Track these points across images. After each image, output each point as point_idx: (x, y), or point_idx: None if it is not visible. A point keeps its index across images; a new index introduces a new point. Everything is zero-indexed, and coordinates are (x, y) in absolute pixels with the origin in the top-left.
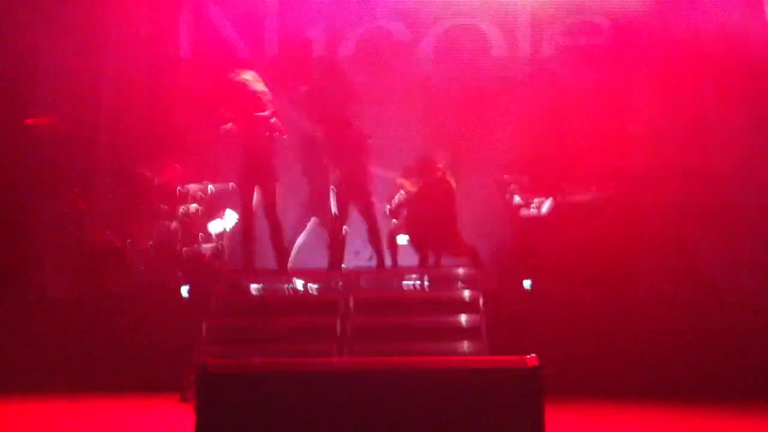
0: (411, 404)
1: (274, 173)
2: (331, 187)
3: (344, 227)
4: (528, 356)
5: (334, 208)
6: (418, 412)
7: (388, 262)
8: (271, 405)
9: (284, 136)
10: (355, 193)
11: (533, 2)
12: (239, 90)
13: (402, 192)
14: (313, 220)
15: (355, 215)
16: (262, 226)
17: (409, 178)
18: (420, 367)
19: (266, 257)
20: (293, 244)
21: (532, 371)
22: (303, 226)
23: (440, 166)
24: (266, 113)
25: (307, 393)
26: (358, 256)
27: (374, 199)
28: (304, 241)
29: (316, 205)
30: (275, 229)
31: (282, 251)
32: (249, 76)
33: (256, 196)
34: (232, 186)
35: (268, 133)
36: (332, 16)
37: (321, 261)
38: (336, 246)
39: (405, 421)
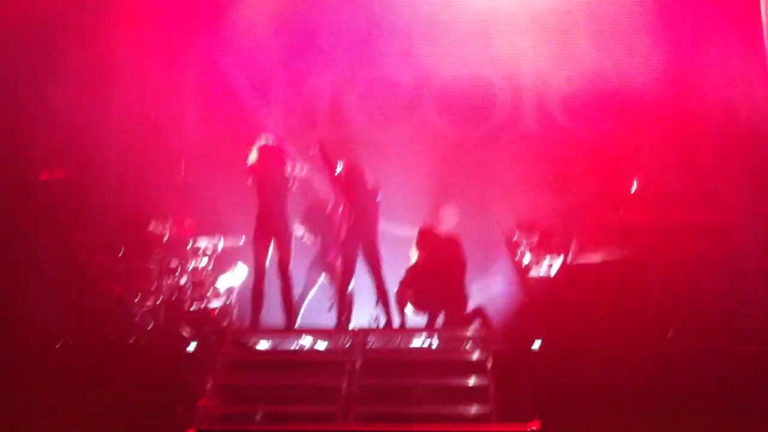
0: None
1: (289, 229)
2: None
3: (351, 286)
4: (531, 423)
5: (341, 266)
6: None
7: (396, 321)
8: None
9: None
10: (364, 249)
11: (539, 56)
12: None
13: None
14: (322, 276)
15: (363, 273)
16: (271, 282)
17: (417, 243)
18: None
19: (274, 314)
20: (302, 302)
21: None
22: (311, 284)
23: (448, 226)
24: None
25: None
26: (365, 314)
27: (382, 256)
28: (312, 298)
29: (323, 263)
30: (287, 285)
31: (291, 308)
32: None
33: (270, 252)
34: (243, 241)
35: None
36: (337, 65)
37: (329, 319)
38: (343, 305)
39: None
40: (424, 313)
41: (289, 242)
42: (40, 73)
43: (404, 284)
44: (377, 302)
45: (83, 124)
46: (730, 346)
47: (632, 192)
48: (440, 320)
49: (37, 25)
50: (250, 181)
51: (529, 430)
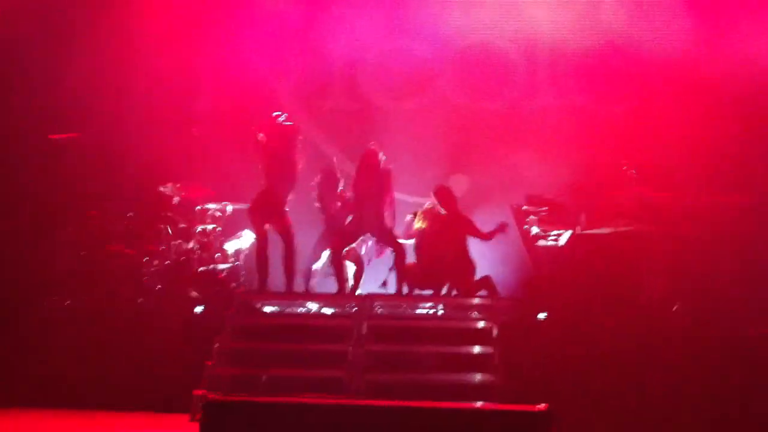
0: None
1: (284, 213)
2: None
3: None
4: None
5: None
6: None
7: (404, 289)
8: None
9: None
10: (375, 220)
11: (557, 29)
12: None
13: (416, 215)
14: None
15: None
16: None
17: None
18: (428, 413)
19: (283, 279)
20: (311, 269)
21: (541, 415)
22: (320, 252)
23: (457, 196)
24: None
25: (306, 428)
26: (374, 281)
27: (394, 225)
28: (322, 266)
29: (333, 232)
30: (290, 252)
31: (291, 274)
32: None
33: (267, 226)
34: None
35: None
36: (353, 35)
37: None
38: (342, 271)
39: None
40: (431, 280)
41: (283, 219)
42: (57, 36)
43: (414, 252)
44: (389, 269)
45: (97, 84)
46: (734, 326)
47: (643, 168)
48: (446, 289)
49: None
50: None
51: (537, 410)
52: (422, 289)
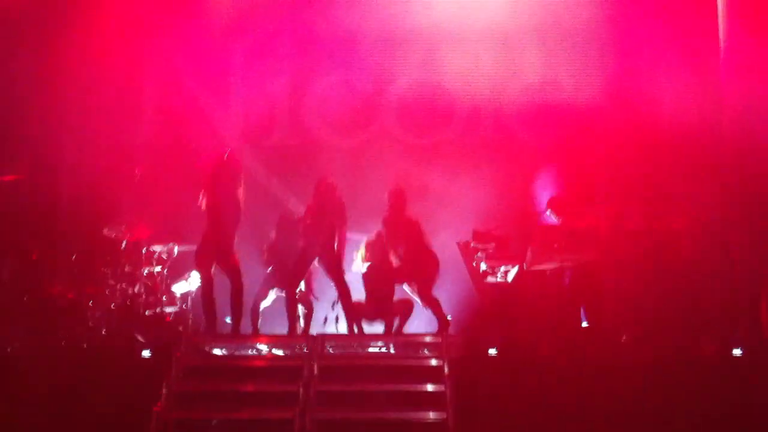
0: None
1: (232, 251)
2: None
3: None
4: None
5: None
6: None
7: (354, 327)
8: None
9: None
10: (324, 250)
11: (495, 66)
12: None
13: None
14: (276, 290)
15: (323, 282)
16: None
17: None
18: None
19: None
20: (259, 309)
21: None
22: (265, 293)
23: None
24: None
25: None
26: (323, 323)
27: (342, 259)
28: (269, 307)
29: (281, 272)
30: (237, 292)
31: (238, 315)
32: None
33: (213, 268)
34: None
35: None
36: (297, 71)
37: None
38: (295, 312)
39: None
40: (380, 320)
41: (231, 257)
42: None
43: (363, 285)
44: (334, 308)
45: (37, 126)
46: (688, 348)
47: (583, 199)
48: (396, 325)
49: None
50: (201, 198)
51: None
52: (373, 321)
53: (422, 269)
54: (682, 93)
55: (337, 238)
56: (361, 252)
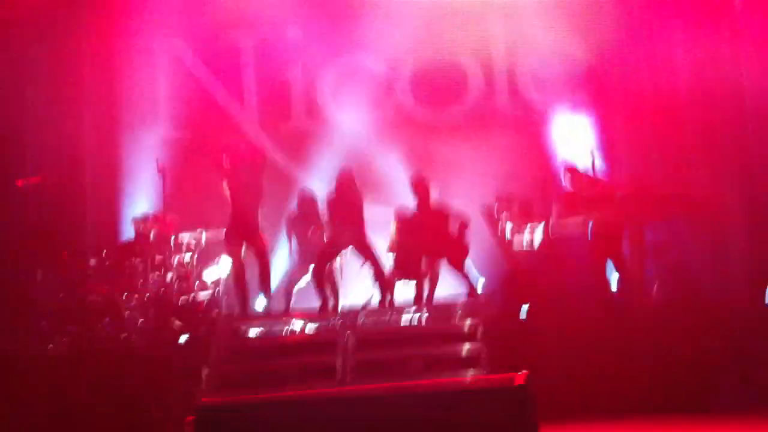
0: (403, 427)
1: (258, 230)
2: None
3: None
4: (518, 374)
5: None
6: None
7: (387, 300)
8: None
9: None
10: (355, 234)
11: (509, 36)
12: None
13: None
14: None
15: (352, 257)
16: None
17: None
18: (411, 391)
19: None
20: (292, 289)
21: (520, 388)
22: (301, 273)
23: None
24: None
25: (297, 419)
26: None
27: (370, 237)
28: (303, 286)
29: (310, 252)
30: (264, 274)
31: (269, 295)
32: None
33: (244, 248)
34: (224, 237)
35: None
36: (309, 56)
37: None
38: (323, 287)
39: None
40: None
41: (259, 236)
42: (12, 78)
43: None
44: (372, 281)
45: (58, 126)
46: (713, 296)
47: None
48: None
49: (10, 29)
50: (225, 182)
51: (517, 380)
52: (406, 278)
53: (453, 249)
54: (699, 55)
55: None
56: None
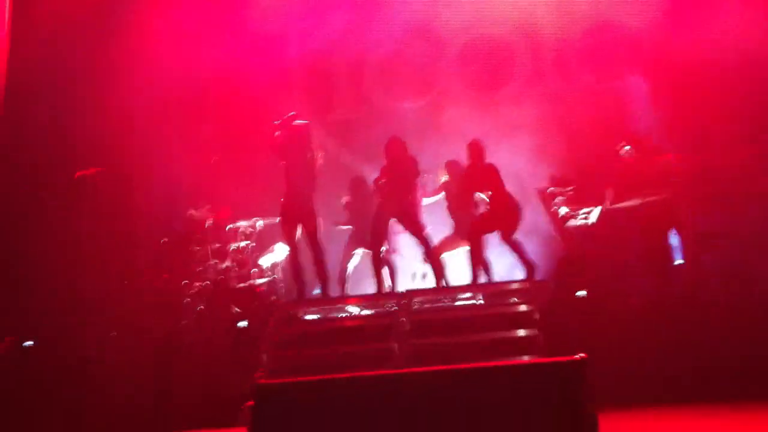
0: (460, 407)
1: (313, 211)
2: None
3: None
4: (575, 357)
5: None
6: (471, 413)
7: (442, 282)
8: (320, 413)
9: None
10: (401, 205)
11: (552, 12)
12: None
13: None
14: (361, 250)
15: (406, 239)
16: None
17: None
18: (467, 372)
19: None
20: (345, 274)
21: (578, 364)
22: (350, 254)
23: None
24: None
25: (354, 400)
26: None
27: (422, 220)
28: (356, 268)
29: (362, 234)
30: (319, 257)
31: (325, 278)
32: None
33: (299, 231)
34: (279, 220)
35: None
36: (353, 42)
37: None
38: (387, 270)
39: (459, 420)
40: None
41: (314, 221)
42: (70, 74)
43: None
44: (423, 263)
45: (116, 120)
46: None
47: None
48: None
49: (65, 30)
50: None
51: (576, 358)
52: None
53: (504, 215)
54: (746, 25)
55: (412, 194)
56: (442, 175)
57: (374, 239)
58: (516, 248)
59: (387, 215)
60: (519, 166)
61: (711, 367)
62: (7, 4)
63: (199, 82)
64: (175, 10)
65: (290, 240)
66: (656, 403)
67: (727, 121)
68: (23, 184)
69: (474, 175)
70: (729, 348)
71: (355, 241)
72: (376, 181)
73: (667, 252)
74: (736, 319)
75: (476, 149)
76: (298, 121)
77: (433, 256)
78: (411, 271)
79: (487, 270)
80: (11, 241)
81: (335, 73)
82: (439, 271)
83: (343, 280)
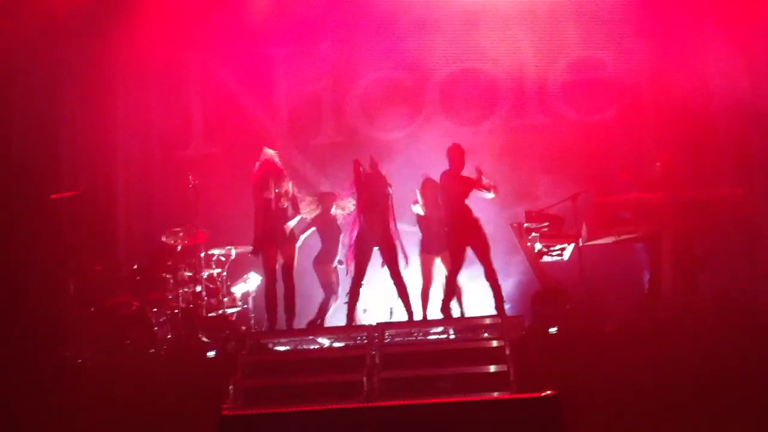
0: None
1: (293, 239)
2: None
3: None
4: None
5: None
6: None
7: (416, 316)
8: None
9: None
10: (380, 247)
11: (534, 47)
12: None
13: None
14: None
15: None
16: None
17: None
18: (437, 405)
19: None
20: (329, 305)
21: (548, 401)
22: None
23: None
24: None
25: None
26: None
27: (397, 252)
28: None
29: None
30: (289, 290)
31: (292, 312)
32: (272, 153)
33: (279, 260)
34: (253, 249)
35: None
36: (337, 69)
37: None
38: (354, 303)
39: None
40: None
41: (293, 250)
42: (46, 94)
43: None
44: (397, 297)
45: (90, 142)
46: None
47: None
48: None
49: (44, 50)
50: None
51: (545, 395)
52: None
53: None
54: (729, 62)
55: (391, 219)
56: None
57: (357, 270)
58: (492, 276)
59: (369, 244)
60: (496, 199)
61: (686, 398)
62: None
63: (184, 101)
64: (161, 30)
65: (270, 268)
66: None
67: (708, 154)
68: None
69: (451, 185)
70: (707, 376)
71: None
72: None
73: (641, 286)
74: (715, 349)
75: (456, 153)
76: (269, 151)
77: (405, 294)
78: (383, 306)
79: (459, 297)
80: None
81: (320, 99)
82: (409, 307)
83: (324, 312)
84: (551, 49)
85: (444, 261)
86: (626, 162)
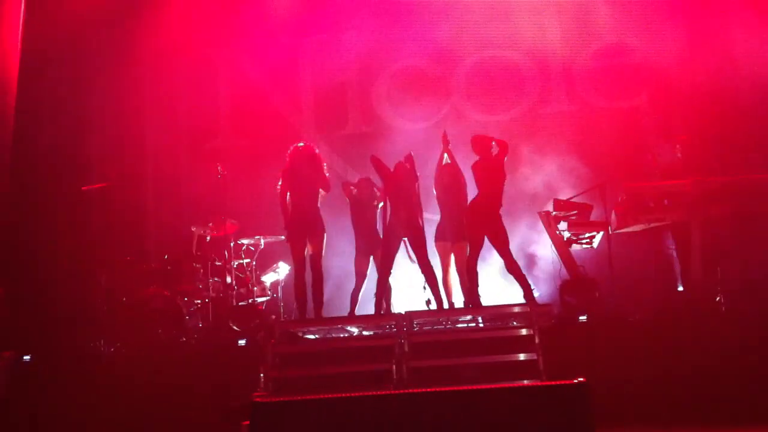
0: (459, 427)
1: (322, 228)
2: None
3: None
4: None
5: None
6: None
7: (445, 304)
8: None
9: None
10: (410, 223)
11: (561, 34)
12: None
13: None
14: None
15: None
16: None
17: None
18: (466, 393)
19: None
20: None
21: (577, 388)
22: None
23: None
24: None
25: (351, 420)
26: (412, 299)
27: (425, 242)
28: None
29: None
30: (318, 279)
31: (320, 301)
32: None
33: (307, 249)
34: (282, 239)
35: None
36: (362, 59)
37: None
38: (384, 293)
39: None
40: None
41: (321, 239)
42: (76, 88)
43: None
44: (425, 286)
45: (119, 134)
46: None
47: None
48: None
49: (72, 42)
50: (281, 184)
51: (576, 381)
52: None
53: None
54: (758, 43)
55: (419, 210)
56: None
57: (385, 260)
58: (514, 267)
59: (398, 234)
60: (527, 187)
61: (715, 388)
62: (22, 10)
63: (210, 97)
64: (188, 22)
65: (298, 257)
66: (658, 425)
67: (735, 141)
68: (31, 194)
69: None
70: (733, 369)
71: (366, 250)
72: (382, 198)
73: (671, 274)
74: (742, 339)
75: (481, 145)
76: (301, 144)
77: (434, 281)
78: (412, 297)
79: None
80: (16, 252)
81: (346, 89)
82: (439, 297)
83: (356, 300)
84: (579, 35)
85: (460, 250)
86: (653, 146)
